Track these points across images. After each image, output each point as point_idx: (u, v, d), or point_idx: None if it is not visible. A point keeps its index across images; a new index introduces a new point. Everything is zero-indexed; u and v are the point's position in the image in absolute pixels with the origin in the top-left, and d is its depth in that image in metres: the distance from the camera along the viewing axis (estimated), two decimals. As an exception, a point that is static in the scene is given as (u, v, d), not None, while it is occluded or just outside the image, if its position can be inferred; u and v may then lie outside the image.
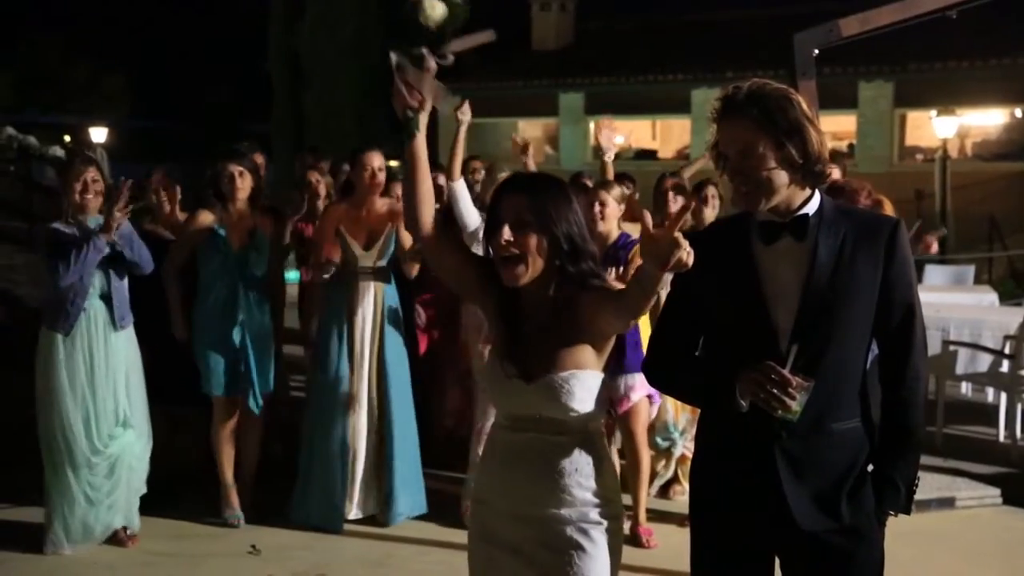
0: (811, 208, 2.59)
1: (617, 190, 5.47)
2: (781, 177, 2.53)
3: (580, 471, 2.68)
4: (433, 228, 2.77)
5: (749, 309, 2.57)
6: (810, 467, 2.57)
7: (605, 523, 2.69)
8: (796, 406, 2.44)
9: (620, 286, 2.68)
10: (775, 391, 2.43)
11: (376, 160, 5.63)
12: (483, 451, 2.92)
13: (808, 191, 2.59)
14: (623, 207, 5.48)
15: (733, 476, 2.63)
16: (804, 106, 2.54)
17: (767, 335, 2.55)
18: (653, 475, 6.12)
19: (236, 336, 5.56)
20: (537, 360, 2.66)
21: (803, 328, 2.53)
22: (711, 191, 6.29)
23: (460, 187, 5.73)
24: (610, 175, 6.24)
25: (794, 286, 2.55)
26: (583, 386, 2.65)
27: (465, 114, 5.77)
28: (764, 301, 2.56)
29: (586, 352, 2.67)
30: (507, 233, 2.63)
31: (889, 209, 4.99)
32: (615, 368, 5.31)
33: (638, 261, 5.37)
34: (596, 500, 2.68)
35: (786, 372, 2.44)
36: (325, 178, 6.90)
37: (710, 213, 6.25)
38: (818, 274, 2.54)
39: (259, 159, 6.67)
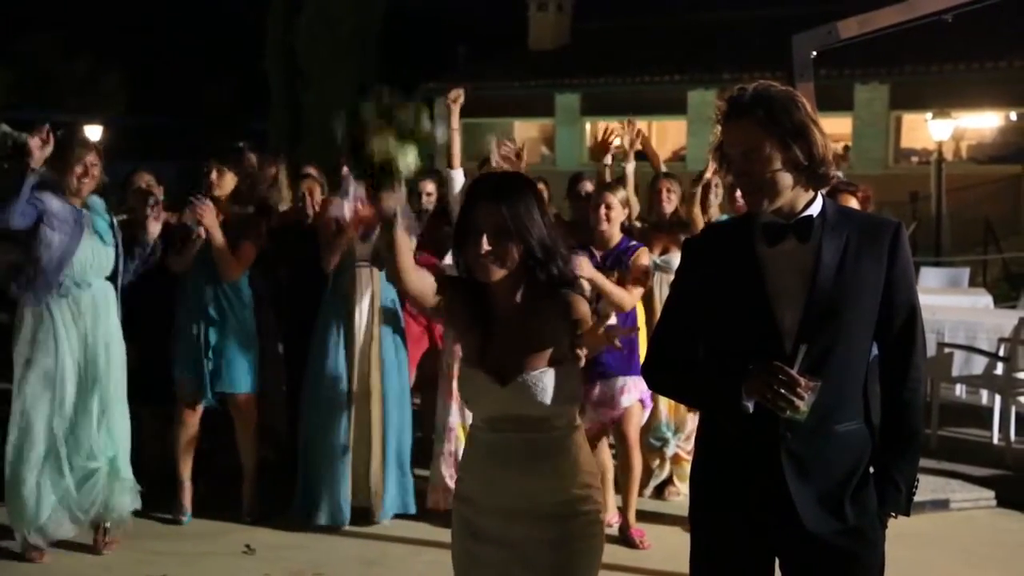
0: (814, 210, 2.59)
1: (621, 192, 5.49)
2: (786, 179, 2.54)
3: (560, 466, 2.79)
4: (411, 277, 2.79)
5: (754, 310, 2.57)
6: (815, 468, 2.57)
7: (587, 513, 2.79)
8: (804, 407, 2.44)
9: (587, 311, 2.75)
10: (783, 391, 2.43)
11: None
12: (464, 451, 2.97)
13: (811, 193, 2.60)
14: (626, 210, 5.50)
15: (737, 477, 2.63)
16: (808, 108, 2.55)
17: (772, 336, 2.55)
18: (649, 474, 6.13)
19: (203, 336, 5.57)
20: (509, 362, 2.72)
21: (808, 329, 2.53)
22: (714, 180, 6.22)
23: (458, 175, 5.83)
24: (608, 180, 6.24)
25: (798, 287, 2.56)
26: (555, 383, 2.72)
27: (457, 100, 5.75)
28: (768, 302, 2.56)
29: (556, 350, 2.74)
30: (486, 243, 2.67)
31: None
32: (608, 370, 5.31)
33: (640, 262, 5.40)
34: (576, 492, 2.78)
35: (794, 372, 2.44)
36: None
37: (714, 201, 6.23)
38: (823, 275, 2.54)
39: (252, 160, 6.66)
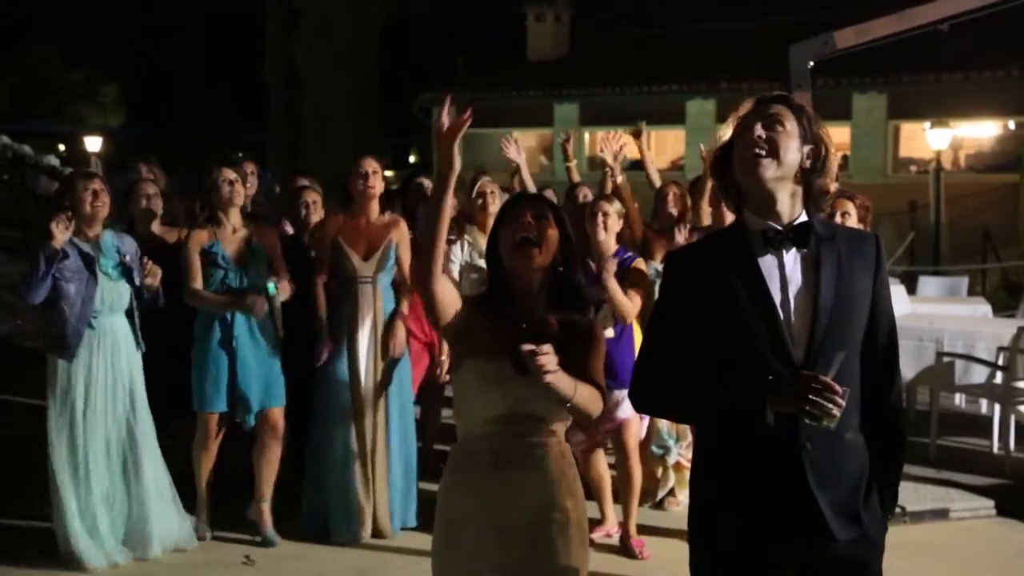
0: (805, 220, 2.63)
1: (617, 203, 5.50)
2: (794, 155, 2.59)
3: (565, 474, 2.87)
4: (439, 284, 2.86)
5: (761, 320, 2.56)
6: (831, 477, 2.58)
7: (580, 521, 2.88)
8: (838, 413, 2.44)
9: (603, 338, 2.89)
10: (818, 400, 2.43)
11: (370, 165, 5.58)
12: (455, 467, 2.95)
13: (801, 208, 2.63)
14: (621, 221, 5.50)
15: (755, 490, 2.59)
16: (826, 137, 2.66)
17: (780, 346, 2.55)
18: (656, 483, 6.12)
19: (234, 352, 5.42)
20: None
21: (819, 337, 2.55)
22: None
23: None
24: (608, 190, 6.27)
25: (802, 295, 2.58)
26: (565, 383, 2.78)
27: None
28: (776, 311, 2.56)
29: (569, 365, 2.78)
30: (529, 215, 2.85)
31: None
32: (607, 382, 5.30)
33: (638, 270, 5.39)
34: (574, 501, 2.87)
35: (830, 380, 2.43)
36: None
37: None
38: (826, 283, 2.57)
39: (250, 168, 6.61)
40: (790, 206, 2.60)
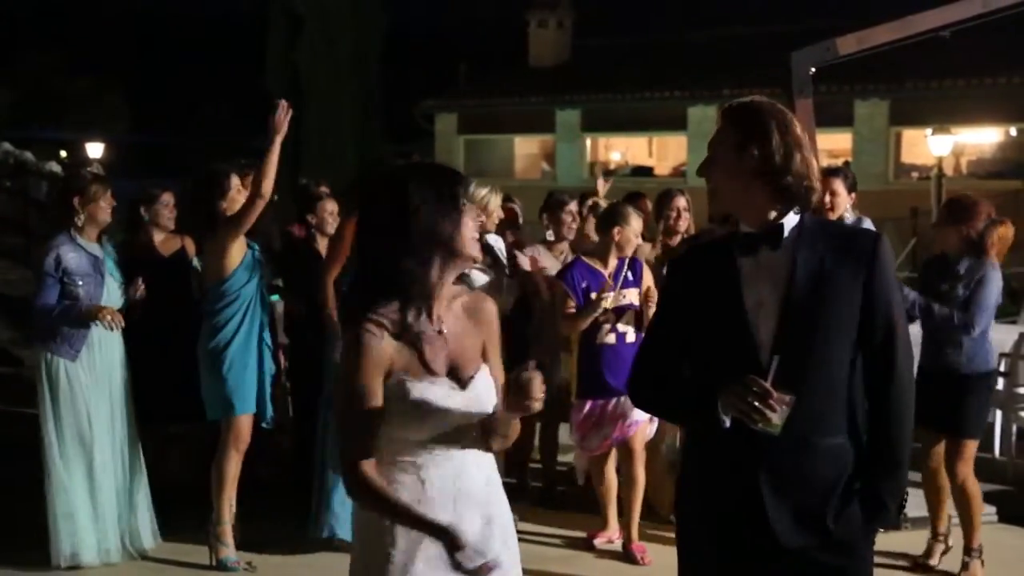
0: (788, 222, 2.61)
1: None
2: (728, 165, 2.62)
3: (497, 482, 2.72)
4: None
5: (730, 323, 2.59)
6: (795, 483, 2.56)
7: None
8: (777, 419, 2.43)
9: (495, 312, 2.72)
10: (755, 403, 2.43)
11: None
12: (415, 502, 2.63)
13: (781, 206, 2.61)
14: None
15: (718, 494, 2.63)
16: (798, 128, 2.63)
17: (749, 349, 2.56)
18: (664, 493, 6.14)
19: (259, 350, 5.36)
20: (460, 365, 2.61)
21: (783, 340, 2.54)
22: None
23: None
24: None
25: (775, 299, 2.57)
26: (493, 381, 2.66)
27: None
28: (745, 314, 2.57)
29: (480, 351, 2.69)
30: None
31: (1006, 232, 5.25)
32: (617, 388, 5.30)
33: (649, 278, 5.44)
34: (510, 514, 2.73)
35: (767, 384, 2.44)
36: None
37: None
38: (798, 286, 2.56)
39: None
40: (761, 208, 2.61)
